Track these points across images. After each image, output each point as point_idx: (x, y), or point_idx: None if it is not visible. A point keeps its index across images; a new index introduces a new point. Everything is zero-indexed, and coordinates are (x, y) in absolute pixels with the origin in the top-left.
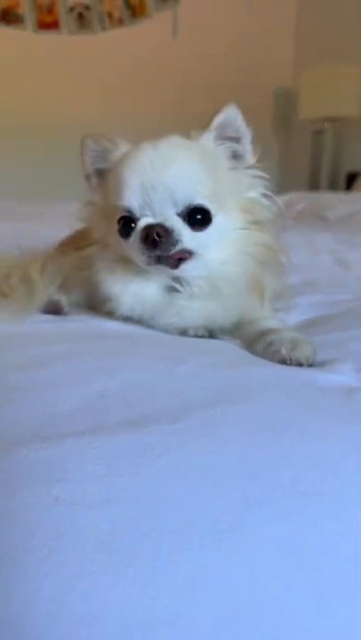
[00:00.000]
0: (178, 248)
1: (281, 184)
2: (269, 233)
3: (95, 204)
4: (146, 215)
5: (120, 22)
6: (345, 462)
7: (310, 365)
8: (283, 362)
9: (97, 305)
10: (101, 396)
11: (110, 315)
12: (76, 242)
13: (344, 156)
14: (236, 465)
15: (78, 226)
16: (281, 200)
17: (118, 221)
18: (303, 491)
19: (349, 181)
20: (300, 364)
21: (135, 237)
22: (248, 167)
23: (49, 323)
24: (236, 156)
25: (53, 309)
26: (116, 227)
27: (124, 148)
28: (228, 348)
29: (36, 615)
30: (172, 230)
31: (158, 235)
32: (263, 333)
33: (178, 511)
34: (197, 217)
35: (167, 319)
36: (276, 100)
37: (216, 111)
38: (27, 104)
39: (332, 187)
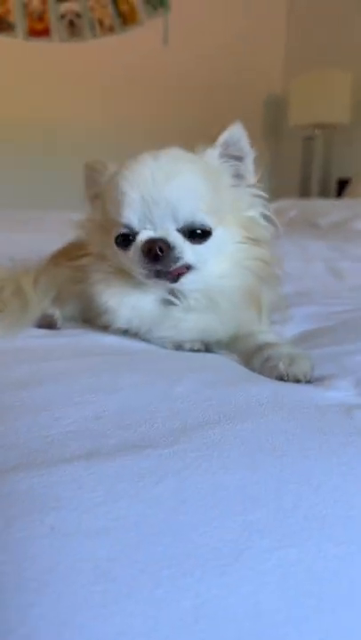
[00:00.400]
0: (179, 264)
1: (272, 191)
2: (267, 248)
3: (93, 219)
4: (146, 228)
5: (111, 30)
6: (346, 485)
7: (308, 381)
8: (280, 378)
9: (91, 318)
10: (97, 418)
11: (105, 328)
12: (70, 254)
13: (334, 162)
14: (237, 489)
15: (72, 237)
16: (272, 207)
17: (116, 235)
18: (305, 515)
19: (340, 188)
20: (297, 381)
21: (136, 250)
22: (249, 186)
23: (43, 338)
24: (238, 175)
25: (47, 323)
26: (113, 239)
27: (112, 168)
28: (226, 364)
29: None
30: (174, 246)
31: (161, 249)
32: (260, 348)
33: (178, 539)
34: (197, 231)
35: (164, 332)
36: (266, 106)
37: (221, 128)
38: (17, 111)
39: (323, 193)
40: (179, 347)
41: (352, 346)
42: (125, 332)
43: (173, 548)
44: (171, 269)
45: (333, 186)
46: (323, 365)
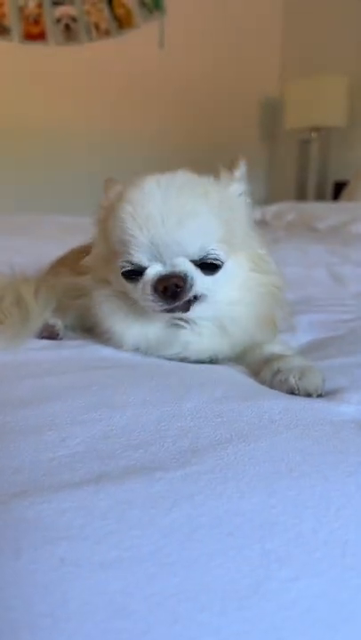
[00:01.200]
0: (191, 294)
1: (268, 194)
2: (276, 276)
3: (96, 247)
4: (154, 263)
5: (107, 33)
6: None
7: (319, 395)
8: (291, 392)
9: (91, 327)
10: (106, 437)
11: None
12: (70, 263)
13: (331, 165)
14: (254, 515)
15: (72, 243)
16: (270, 210)
17: (121, 267)
18: (326, 541)
19: (337, 190)
20: (309, 395)
21: (146, 286)
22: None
23: (45, 350)
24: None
25: (49, 334)
26: (118, 269)
27: (117, 188)
28: (234, 377)
29: None
30: (187, 278)
31: (177, 285)
32: (269, 359)
33: (194, 570)
34: (208, 263)
35: (173, 349)
36: (262, 109)
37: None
38: (13, 115)
39: (320, 196)
40: (184, 358)
41: None
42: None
43: (190, 580)
44: (184, 300)
45: (330, 189)
46: (333, 378)
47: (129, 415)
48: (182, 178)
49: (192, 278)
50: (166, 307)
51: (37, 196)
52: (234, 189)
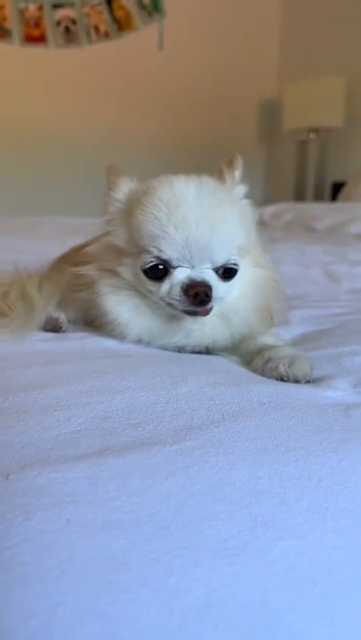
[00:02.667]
0: (213, 304)
1: (267, 194)
2: (272, 270)
3: (111, 237)
4: (182, 266)
5: (106, 36)
6: (347, 479)
7: (308, 382)
8: (281, 378)
9: (93, 319)
10: (107, 417)
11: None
12: (72, 259)
13: (329, 165)
14: (243, 484)
15: (73, 242)
16: (269, 211)
17: (147, 265)
18: (308, 508)
19: (335, 191)
20: (297, 381)
21: (174, 287)
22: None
23: (49, 341)
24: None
25: (52, 327)
26: (139, 264)
27: (130, 183)
28: (228, 366)
29: (56, 636)
30: (212, 287)
31: (206, 294)
32: (261, 350)
33: (187, 532)
34: (228, 271)
35: (174, 339)
36: (261, 110)
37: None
38: (13, 117)
39: (318, 196)
40: (181, 349)
41: (350, 347)
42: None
43: (184, 539)
44: (207, 307)
45: (328, 189)
46: (322, 366)
47: (128, 398)
48: (210, 184)
49: (214, 284)
50: (191, 309)
51: (37, 197)
52: (239, 192)
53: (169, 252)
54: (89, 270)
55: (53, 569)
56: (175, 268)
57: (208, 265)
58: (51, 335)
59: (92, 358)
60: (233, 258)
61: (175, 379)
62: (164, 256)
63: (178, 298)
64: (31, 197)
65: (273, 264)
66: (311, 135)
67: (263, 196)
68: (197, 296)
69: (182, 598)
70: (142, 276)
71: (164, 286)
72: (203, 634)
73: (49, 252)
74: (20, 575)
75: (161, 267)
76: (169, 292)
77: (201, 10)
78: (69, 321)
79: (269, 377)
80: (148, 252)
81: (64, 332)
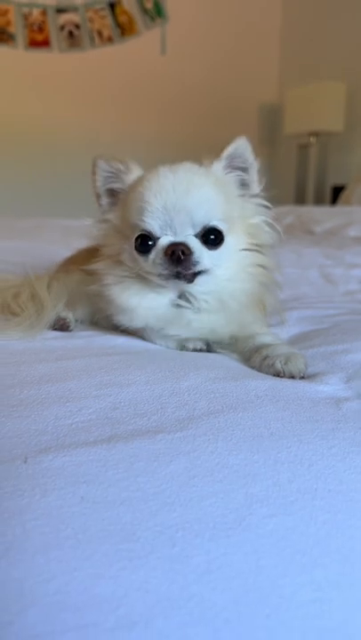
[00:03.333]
0: (197, 268)
1: (268, 197)
2: (268, 255)
3: (109, 221)
4: (166, 234)
5: (109, 40)
6: (335, 463)
7: (302, 378)
8: (277, 375)
9: (100, 320)
10: (115, 408)
11: (115, 329)
12: (79, 261)
13: (329, 169)
14: (240, 467)
15: (76, 244)
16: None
17: (136, 239)
18: (299, 489)
19: (335, 194)
20: (292, 377)
21: (158, 253)
22: (253, 195)
23: (59, 339)
24: (243, 185)
25: (61, 326)
26: (133, 243)
27: (136, 170)
28: (227, 363)
29: (73, 596)
30: (194, 250)
31: (183, 252)
32: (259, 348)
33: (189, 507)
34: (212, 237)
35: (176, 330)
36: (262, 114)
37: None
38: (17, 120)
39: (319, 200)
40: (183, 347)
41: (343, 346)
42: (134, 332)
43: (186, 514)
44: (189, 271)
45: (328, 192)
46: (316, 363)
47: (134, 391)
48: (187, 164)
49: (198, 251)
50: (173, 270)
51: (41, 200)
52: (218, 167)
53: (151, 221)
54: (98, 265)
55: (70, 538)
56: (160, 237)
57: (190, 231)
58: (60, 334)
59: (99, 355)
60: (214, 221)
61: (178, 374)
62: (148, 226)
63: (160, 262)
64: (35, 200)
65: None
66: (312, 139)
67: (264, 198)
68: (174, 254)
69: (184, 564)
70: (136, 254)
71: (151, 256)
72: (202, 594)
73: (53, 254)
74: (41, 543)
75: (150, 242)
76: (154, 260)
77: (203, 15)
78: (77, 320)
79: (267, 373)
80: (137, 226)
81: (72, 330)
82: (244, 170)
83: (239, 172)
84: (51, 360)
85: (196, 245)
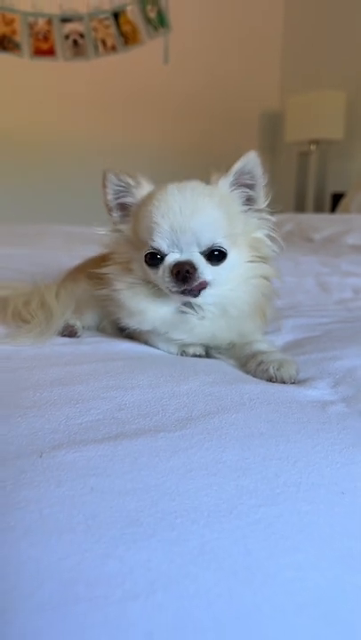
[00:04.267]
0: (200, 280)
1: (268, 205)
2: (271, 265)
3: (121, 231)
4: (173, 251)
5: (113, 49)
6: (319, 460)
7: (293, 383)
8: (270, 379)
9: (106, 326)
10: (120, 409)
11: (121, 333)
12: (87, 270)
13: (329, 177)
14: (232, 463)
15: (82, 251)
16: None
17: (146, 255)
18: (285, 482)
19: (334, 202)
20: (284, 382)
21: (165, 271)
22: (258, 210)
23: (67, 345)
24: (249, 200)
25: (69, 332)
26: (143, 257)
27: (146, 185)
28: (224, 368)
29: (84, 572)
30: (198, 267)
31: (188, 272)
32: (255, 354)
33: (186, 498)
34: (215, 253)
35: (180, 334)
36: (263, 122)
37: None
38: (22, 128)
39: (318, 207)
40: (183, 352)
41: (332, 353)
42: (138, 336)
43: (184, 503)
44: (194, 286)
45: (328, 200)
46: (307, 369)
47: (138, 394)
48: (194, 183)
49: (202, 268)
50: (179, 288)
51: (42, 206)
52: (224, 184)
53: (160, 241)
54: (108, 270)
55: (81, 523)
56: (167, 254)
57: (195, 249)
58: (68, 340)
59: (105, 360)
60: (219, 241)
61: (178, 378)
62: (156, 245)
63: (167, 279)
64: (37, 207)
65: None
66: (312, 147)
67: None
68: (179, 274)
69: (182, 546)
70: (146, 268)
71: (159, 271)
72: (197, 573)
73: (56, 261)
74: (56, 527)
75: (158, 256)
76: (162, 276)
77: (205, 24)
78: (84, 327)
79: (261, 378)
80: (147, 243)
81: (79, 337)
82: (251, 187)
83: (245, 189)
84: (60, 365)
85: (200, 262)
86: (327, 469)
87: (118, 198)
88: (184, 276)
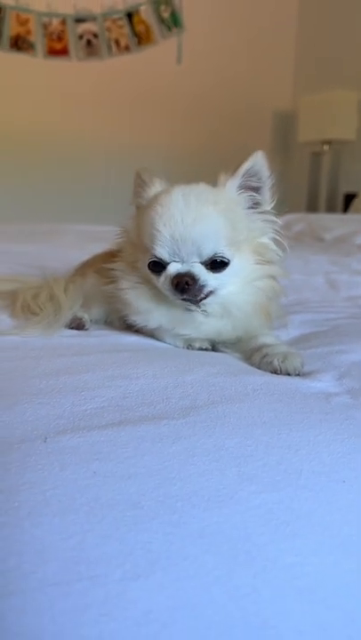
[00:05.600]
0: (203, 292)
1: (280, 205)
2: (276, 266)
3: (129, 233)
4: (174, 261)
5: (126, 49)
6: (320, 449)
7: (298, 375)
8: (275, 372)
9: (113, 320)
10: (124, 397)
11: (127, 328)
12: (95, 265)
13: (342, 177)
14: (234, 449)
15: (95, 249)
16: (280, 221)
17: (149, 263)
18: (286, 470)
19: (347, 202)
20: (288, 374)
21: (166, 280)
22: (263, 212)
23: (75, 337)
24: (255, 203)
25: (77, 325)
26: (146, 262)
27: (157, 187)
28: (229, 360)
29: (86, 552)
30: (199, 278)
31: (187, 283)
32: (260, 347)
33: (188, 482)
34: (217, 262)
35: (186, 330)
36: (275, 122)
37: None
38: (36, 127)
39: (331, 207)
40: (189, 346)
41: (338, 347)
42: (147, 331)
43: (185, 488)
44: (195, 298)
45: (341, 200)
46: (312, 362)
47: (142, 383)
48: (199, 188)
49: (203, 278)
50: (180, 297)
51: (56, 205)
52: (231, 187)
53: (161, 250)
54: (116, 265)
55: (84, 505)
56: (169, 263)
57: (196, 259)
58: (76, 332)
59: (111, 351)
60: (221, 250)
61: (183, 369)
62: (158, 254)
63: (168, 288)
64: (50, 205)
65: (283, 252)
66: (325, 147)
67: (277, 206)
68: (179, 285)
69: (182, 529)
70: (149, 273)
71: (161, 279)
72: (196, 555)
73: (69, 258)
74: (59, 508)
75: (160, 264)
76: (163, 284)
77: (218, 24)
78: (91, 320)
79: (265, 370)
80: (149, 249)
81: (87, 329)
82: (258, 189)
83: (252, 193)
84: (67, 355)
85: (201, 272)
86: (329, 458)
87: (138, 198)
88: (183, 287)
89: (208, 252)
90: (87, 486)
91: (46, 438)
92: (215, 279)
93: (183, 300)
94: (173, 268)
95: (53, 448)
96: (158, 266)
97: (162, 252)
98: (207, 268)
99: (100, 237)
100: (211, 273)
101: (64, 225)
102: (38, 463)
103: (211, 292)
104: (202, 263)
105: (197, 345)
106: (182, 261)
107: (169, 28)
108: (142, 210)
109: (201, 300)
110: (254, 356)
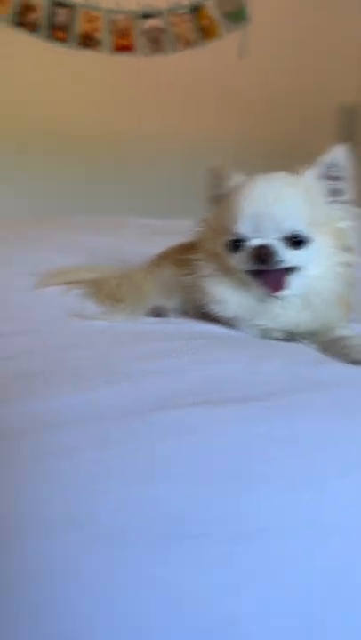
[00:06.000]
0: (280, 266)
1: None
2: (354, 254)
3: (209, 221)
4: (255, 237)
5: (191, 44)
6: None
7: None
8: (353, 363)
9: (189, 310)
10: (205, 381)
11: (205, 317)
12: (170, 257)
13: None
14: (308, 435)
15: (162, 242)
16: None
17: (228, 241)
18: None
19: None
20: None
21: (246, 253)
22: (343, 201)
23: (155, 324)
24: (335, 192)
25: (157, 313)
26: (225, 243)
27: (237, 178)
28: (306, 351)
29: (190, 512)
30: (276, 251)
31: (266, 254)
32: (338, 339)
33: (269, 462)
34: (297, 240)
35: (263, 321)
36: (340, 115)
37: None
38: (101, 122)
39: None
40: (266, 335)
41: None
42: (223, 320)
43: (263, 467)
44: (273, 268)
45: None
46: None
47: (223, 369)
48: (280, 174)
49: (281, 252)
50: (258, 267)
51: (120, 199)
52: (310, 175)
53: (242, 226)
54: (196, 256)
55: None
56: (249, 240)
57: (276, 235)
58: (155, 320)
59: (189, 339)
60: (300, 228)
61: (261, 357)
62: (239, 230)
63: (247, 262)
64: (113, 199)
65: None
66: None
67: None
68: (258, 256)
69: (251, 493)
70: (226, 251)
71: (240, 255)
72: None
73: (137, 251)
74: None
75: (240, 242)
76: (241, 260)
77: (282, 17)
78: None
79: (344, 361)
80: (230, 229)
81: (167, 317)
82: (338, 179)
83: (331, 182)
84: (147, 341)
85: (279, 247)
86: None
87: (213, 191)
88: (262, 257)
89: (287, 228)
90: (188, 456)
91: (144, 413)
92: (295, 256)
93: (260, 277)
94: (254, 242)
95: (153, 420)
96: (237, 245)
97: (243, 228)
98: (288, 245)
99: (161, 231)
100: (291, 250)
101: (128, 218)
102: (142, 433)
103: (292, 270)
104: (281, 239)
105: (274, 335)
106: (262, 237)
107: (235, 22)
108: (222, 198)
109: (281, 280)
110: (332, 347)
